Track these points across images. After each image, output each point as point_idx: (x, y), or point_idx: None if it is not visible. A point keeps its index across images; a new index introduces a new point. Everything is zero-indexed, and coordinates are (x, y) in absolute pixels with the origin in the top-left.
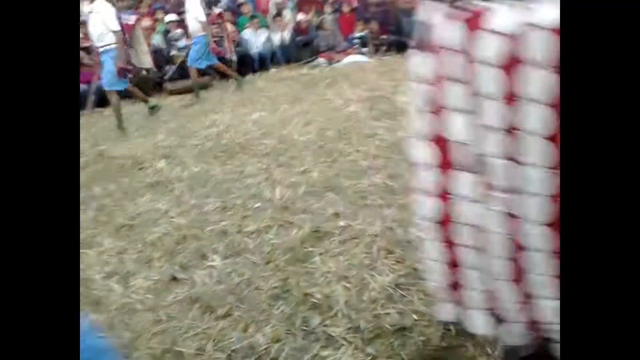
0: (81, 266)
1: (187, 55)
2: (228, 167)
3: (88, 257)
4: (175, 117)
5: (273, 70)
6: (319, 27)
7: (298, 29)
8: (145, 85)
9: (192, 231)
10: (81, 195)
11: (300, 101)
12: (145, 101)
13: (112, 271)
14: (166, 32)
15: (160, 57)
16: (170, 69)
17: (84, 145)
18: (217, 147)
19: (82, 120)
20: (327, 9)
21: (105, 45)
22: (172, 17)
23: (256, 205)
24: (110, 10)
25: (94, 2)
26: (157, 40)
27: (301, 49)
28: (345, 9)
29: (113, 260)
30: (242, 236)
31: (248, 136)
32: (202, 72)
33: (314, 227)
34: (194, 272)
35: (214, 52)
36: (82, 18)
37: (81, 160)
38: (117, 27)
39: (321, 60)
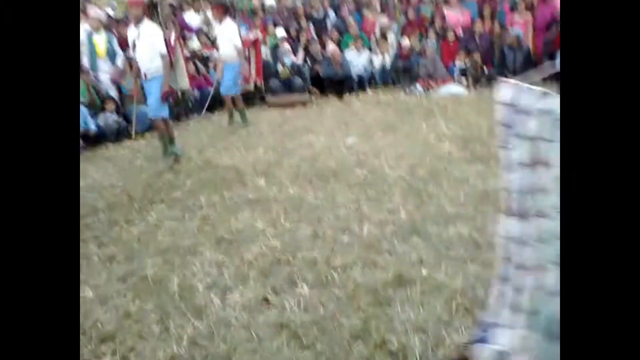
0: (186, 273)
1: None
2: (320, 194)
3: (192, 266)
4: (274, 132)
5: (370, 92)
6: (421, 53)
7: (400, 53)
8: (248, 97)
9: (285, 255)
10: (189, 202)
11: (394, 130)
12: None
13: (213, 283)
14: (275, 47)
15: (267, 71)
16: (274, 83)
17: (191, 151)
18: (312, 171)
19: (191, 125)
20: (431, 35)
21: (153, 71)
22: (282, 33)
23: (345, 239)
24: (159, 33)
25: (142, 24)
26: (265, 53)
27: (400, 74)
28: (450, 37)
29: (213, 271)
30: (329, 268)
31: (341, 162)
32: (303, 88)
33: (398, 271)
34: (284, 298)
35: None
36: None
37: (189, 166)
38: (165, 51)
39: (419, 86)
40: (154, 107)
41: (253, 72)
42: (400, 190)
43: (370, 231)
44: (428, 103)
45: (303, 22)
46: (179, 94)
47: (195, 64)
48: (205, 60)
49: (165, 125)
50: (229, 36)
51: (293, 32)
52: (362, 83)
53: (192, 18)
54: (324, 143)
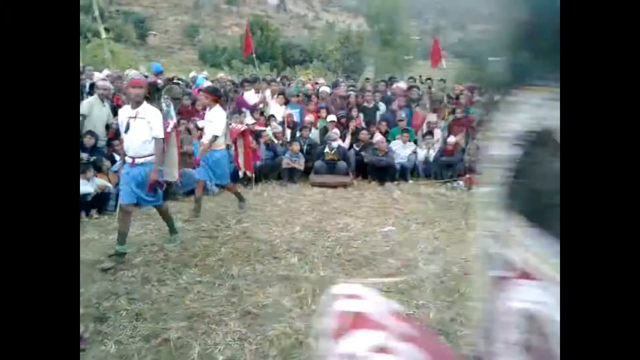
0: (208, 342)
1: (335, 154)
2: (351, 280)
3: (215, 335)
4: (313, 211)
5: (411, 182)
6: (466, 151)
7: (445, 149)
8: (293, 175)
9: (308, 339)
10: (221, 270)
11: (432, 224)
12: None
13: (232, 356)
14: (324, 130)
15: (313, 152)
16: (318, 164)
17: (230, 221)
18: (345, 255)
19: (232, 195)
20: (478, 135)
21: (146, 156)
22: (333, 117)
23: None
24: (159, 117)
25: (140, 107)
26: (314, 135)
27: (443, 168)
28: None
29: (235, 345)
30: None
31: (375, 250)
32: (346, 172)
33: None
34: None
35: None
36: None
37: (225, 235)
38: (162, 135)
39: (461, 183)
40: (128, 194)
41: (241, 162)
42: (431, 287)
43: None
44: (469, 200)
45: (354, 111)
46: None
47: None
48: (257, 136)
49: (164, 209)
50: (212, 124)
51: (343, 119)
52: (405, 173)
53: (250, 96)
54: (360, 228)
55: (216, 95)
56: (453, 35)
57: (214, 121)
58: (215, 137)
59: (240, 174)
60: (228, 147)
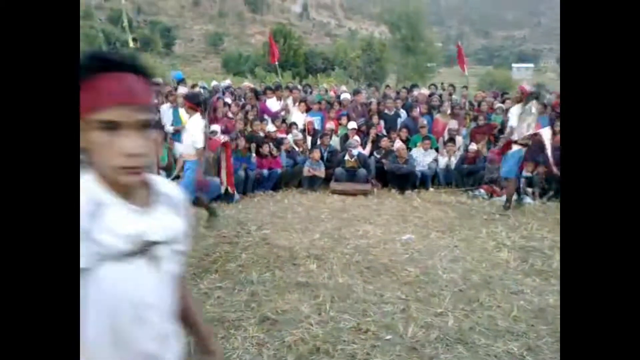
0: (227, 346)
1: (355, 162)
2: (370, 287)
3: (234, 340)
4: (333, 218)
5: (432, 189)
6: (487, 158)
7: (466, 157)
8: (314, 182)
9: (326, 345)
10: (240, 276)
11: (452, 232)
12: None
13: None
14: (345, 137)
15: (333, 159)
16: (338, 171)
17: (250, 227)
18: (364, 262)
19: (255, 201)
20: (500, 142)
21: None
22: (353, 125)
23: (387, 337)
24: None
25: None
26: (335, 142)
27: (465, 176)
28: None
29: (253, 350)
30: None
31: (394, 258)
32: (366, 179)
33: None
34: None
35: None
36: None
37: (246, 241)
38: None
39: (482, 191)
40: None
41: (224, 176)
42: (450, 295)
43: (414, 333)
44: (490, 209)
45: (375, 118)
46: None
47: (268, 145)
48: (278, 143)
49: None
50: (191, 132)
51: (363, 126)
52: (425, 181)
53: (272, 104)
54: (379, 236)
55: (194, 103)
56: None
57: (192, 130)
58: (198, 149)
59: (222, 189)
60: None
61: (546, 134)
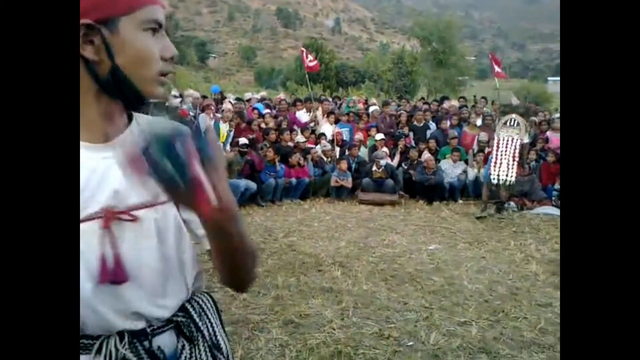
0: (251, 347)
1: (383, 172)
2: (394, 295)
3: (258, 341)
4: (360, 227)
5: (461, 201)
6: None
7: None
8: (341, 192)
9: (347, 349)
10: (266, 280)
11: (480, 244)
12: None
13: None
14: (373, 148)
15: (362, 170)
16: (366, 181)
17: (277, 234)
18: (389, 271)
19: (284, 209)
20: (532, 155)
21: None
22: (382, 135)
23: (409, 343)
24: None
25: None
26: (363, 153)
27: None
28: (550, 158)
29: (276, 351)
30: None
31: (419, 267)
32: (394, 190)
33: None
34: None
35: None
36: None
37: (272, 247)
38: None
39: (512, 204)
40: None
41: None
42: (475, 305)
43: (437, 341)
44: (520, 221)
45: (404, 129)
46: None
47: (297, 154)
48: (306, 153)
49: None
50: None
51: (392, 138)
52: (454, 193)
53: (302, 115)
54: (405, 245)
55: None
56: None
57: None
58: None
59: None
60: None
61: None
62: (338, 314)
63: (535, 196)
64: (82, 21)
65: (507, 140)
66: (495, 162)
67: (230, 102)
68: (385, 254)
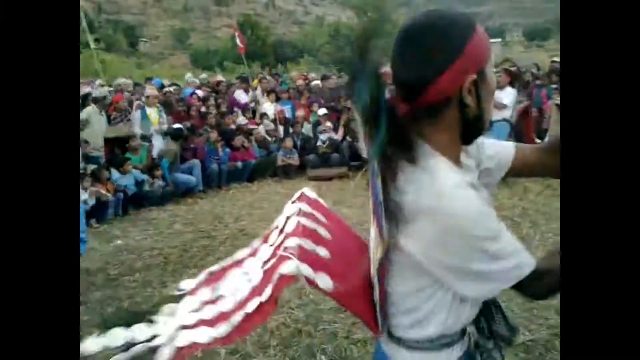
0: None
1: (328, 147)
2: None
3: None
4: None
5: None
6: None
7: None
8: (289, 171)
9: (307, 327)
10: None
11: None
12: None
13: (234, 349)
14: (317, 124)
15: (307, 146)
16: (312, 158)
17: (227, 220)
18: None
19: (231, 194)
20: None
21: None
22: (324, 111)
23: None
24: None
25: None
26: (307, 129)
27: None
28: None
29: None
30: (349, 342)
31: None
32: (341, 163)
33: None
34: None
35: None
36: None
37: (223, 234)
38: None
39: None
40: None
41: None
42: None
43: None
44: None
45: (345, 102)
46: None
47: (240, 136)
48: (249, 134)
49: None
50: None
51: (334, 112)
52: None
53: (240, 95)
54: (357, 218)
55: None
56: None
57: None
58: None
59: None
60: None
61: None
62: (295, 293)
63: None
64: (470, 77)
65: None
66: None
67: (155, 87)
68: None
